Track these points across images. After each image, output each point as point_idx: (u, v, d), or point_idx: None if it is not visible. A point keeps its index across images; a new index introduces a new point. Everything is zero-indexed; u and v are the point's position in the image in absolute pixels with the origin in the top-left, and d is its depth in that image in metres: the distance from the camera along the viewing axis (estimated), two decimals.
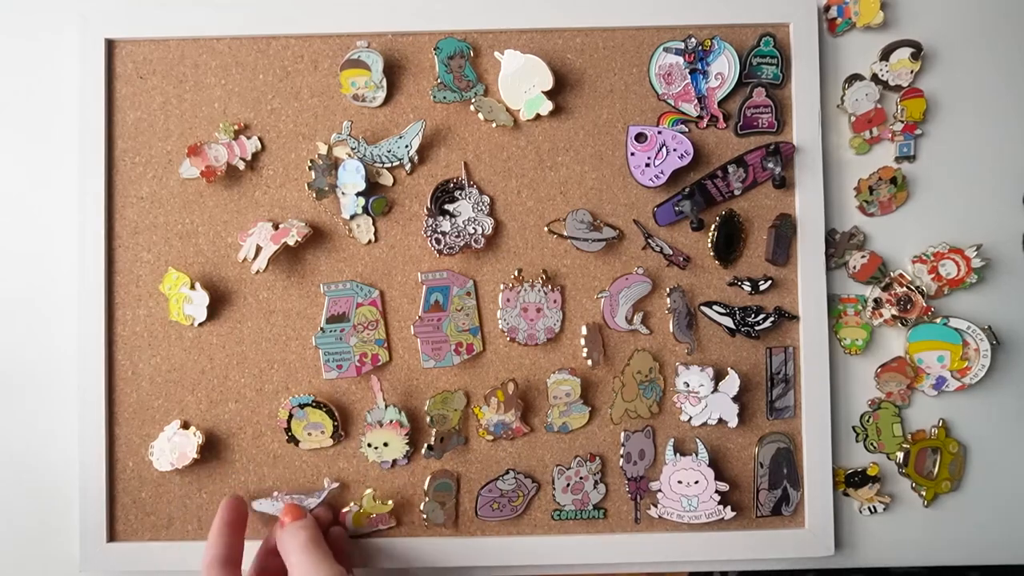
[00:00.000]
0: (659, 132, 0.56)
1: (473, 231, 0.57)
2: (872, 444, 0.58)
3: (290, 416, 0.56)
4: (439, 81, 0.57)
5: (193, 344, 0.58)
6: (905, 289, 0.57)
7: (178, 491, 0.57)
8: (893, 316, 0.58)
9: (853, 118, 0.58)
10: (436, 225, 0.57)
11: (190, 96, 0.58)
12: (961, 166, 0.59)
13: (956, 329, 0.58)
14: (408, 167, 0.57)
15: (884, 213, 0.58)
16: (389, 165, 0.57)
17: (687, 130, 0.57)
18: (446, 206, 0.57)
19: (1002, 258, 0.59)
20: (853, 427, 0.59)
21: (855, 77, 0.58)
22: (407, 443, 0.57)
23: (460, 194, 0.57)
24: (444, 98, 0.57)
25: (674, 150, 0.56)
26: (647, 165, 0.57)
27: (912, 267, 0.58)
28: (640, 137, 0.57)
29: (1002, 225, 0.59)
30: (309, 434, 0.57)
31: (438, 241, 0.56)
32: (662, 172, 0.56)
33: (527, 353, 0.58)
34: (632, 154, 0.57)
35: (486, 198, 0.57)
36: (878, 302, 0.58)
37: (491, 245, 0.58)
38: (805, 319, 0.58)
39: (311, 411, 0.56)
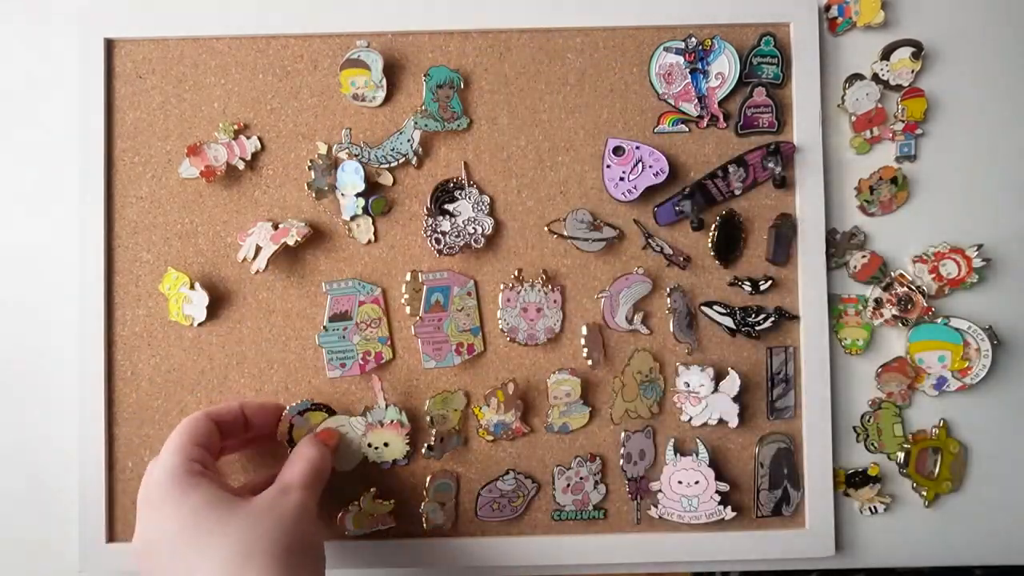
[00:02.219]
0: (637, 147, 0.56)
1: (473, 231, 0.57)
2: (873, 444, 0.58)
3: (291, 427, 0.56)
4: (424, 108, 0.57)
5: (193, 344, 0.58)
6: (906, 289, 0.57)
7: None
8: (894, 316, 0.57)
9: (854, 118, 0.58)
10: (436, 225, 0.57)
11: (190, 96, 0.58)
12: (961, 166, 0.59)
13: (957, 329, 0.57)
14: (414, 160, 0.57)
15: (885, 213, 0.58)
16: (394, 164, 0.57)
17: (686, 128, 0.57)
18: (446, 206, 0.57)
19: (1003, 257, 0.59)
20: (854, 427, 0.58)
21: (856, 76, 0.58)
22: (407, 443, 0.57)
23: (460, 194, 0.57)
24: (425, 126, 0.57)
25: (650, 167, 0.56)
26: (621, 179, 0.57)
27: (913, 267, 0.58)
28: (618, 151, 0.57)
29: (1003, 224, 0.59)
30: None
31: (438, 241, 0.56)
32: (635, 187, 0.56)
33: (527, 353, 0.58)
34: (608, 167, 0.57)
35: (486, 198, 0.57)
36: (879, 302, 0.58)
37: (491, 245, 0.58)
38: (805, 319, 0.58)
39: (311, 415, 0.56)
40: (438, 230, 0.57)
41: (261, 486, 0.49)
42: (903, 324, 0.58)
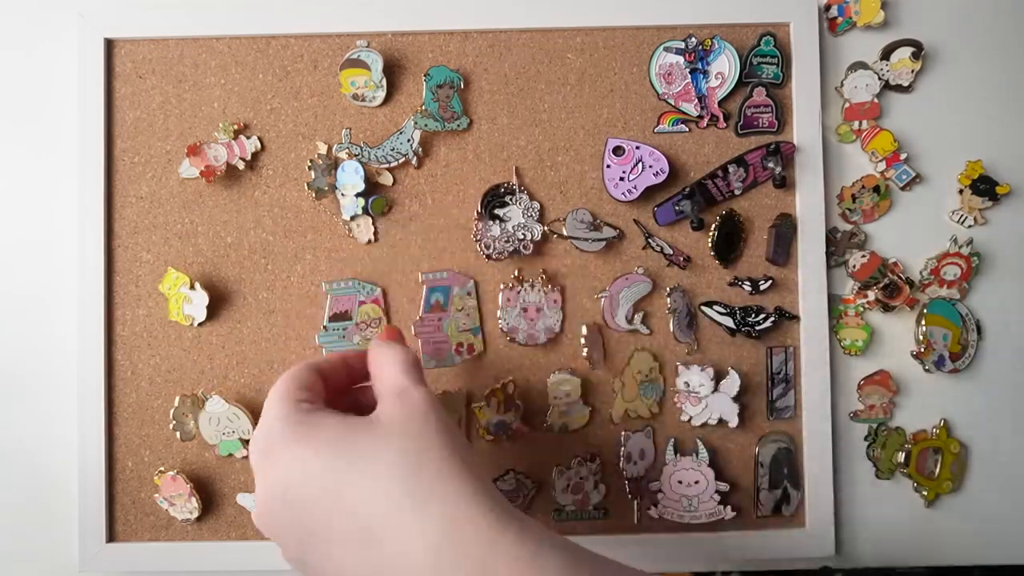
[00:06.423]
0: (637, 147, 0.56)
1: (523, 237, 0.57)
2: (872, 450, 0.58)
3: None
4: (424, 108, 0.57)
5: (193, 344, 0.58)
6: (895, 277, 0.57)
7: None
8: (876, 299, 0.57)
9: (847, 104, 0.58)
10: (486, 230, 0.57)
11: (189, 96, 0.58)
12: (961, 165, 0.59)
13: (960, 313, 0.58)
14: (414, 160, 0.57)
15: (867, 221, 0.58)
16: (394, 164, 0.57)
17: (686, 128, 0.57)
18: (496, 211, 0.57)
19: (998, 256, 0.59)
20: (865, 436, 0.58)
21: (859, 64, 0.58)
22: None
23: (511, 199, 0.57)
24: (426, 126, 0.57)
25: (650, 167, 0.56)
26: (621, 179, 0.57)
27: (926, 261, 0.58)
28: (618, 151, 0.57)
29: (1003, 224, 0.59)
30: None
31: (487, 246, 0.56)
32: (635, 187, 0.56)
33: (527, 353, 0.58)
34: (608, 166, 0.57)
35: (536, 204, 0.57)
36: (866, 284, 0.57)
37: None
38: (805, 319, 0.58)
39: None
40: (488, 235, 0.56)
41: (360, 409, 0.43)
42: (884, 310, 0.58)
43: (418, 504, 0.36)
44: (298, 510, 0.38)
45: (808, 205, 0.57)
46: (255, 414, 0.57)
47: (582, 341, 0.57)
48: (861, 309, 0.58)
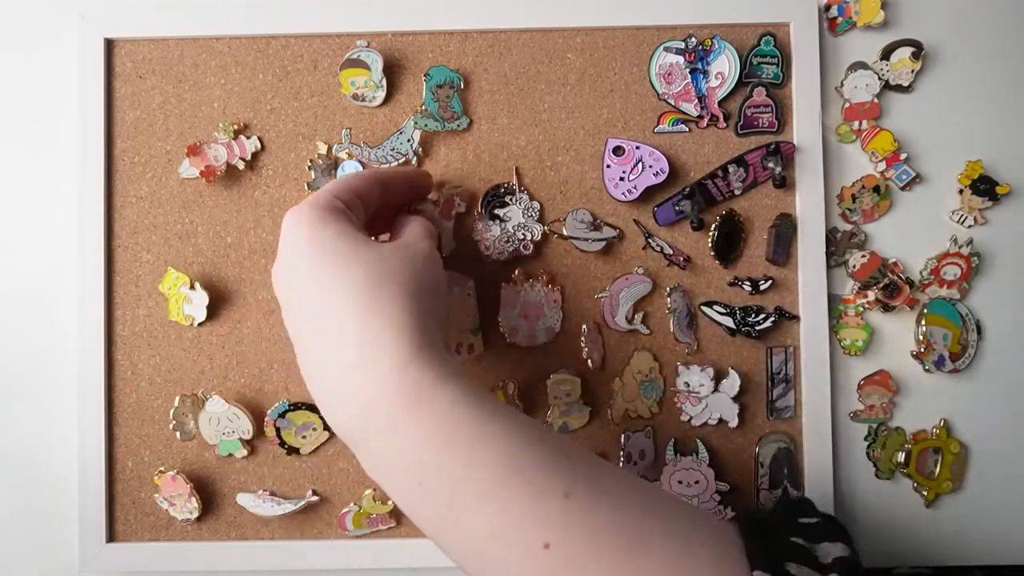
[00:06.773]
0: (637, 147, 0.56)
1: (523, 237, 0.57)
2: (872, 450, 0.58)
3: (278, 431, 0.56)
4: (424, 108, 0.57)
5: (193, 344, 0.58)
6: (896, 277, 0.57)
7: None
8: (876, 299, 0.57)
9: (847, 104, 0.58)
10: (486, 230, 0.57)
11: (189, 96, 0.58)
12: (960, 166, 0.59)
13: (960, 313, 0.58)
14: (414, 160, 0.57)
15: (867, 222, 0.58)
16: (395, 164, 0.57)
17: (686, 128, 0.57)
18: (496, 211, 0.57)
19: (995, 256, 0.59)
20: (865, 436, 0.58)
21: (859, 64, 0.58)
22: None
23: (511, 199, 0.57)
24: (426, 126, 0.57)
25: (650, 167, 0.56)
26: (621, 179, 0.57)
27: (926, 261, 0.58)
28: (618, 151, 0.57)
29: (1003, 224, 0.59)
30: (304, 437, 0.57)
31: (487, 247, 0.56)
32: (635, 187, 0.56)
33: (527, 353, 0.58)
34: (608, 166, 0.57)
35: (536, 204, 0.57)
36: (866, 284, 0.57)
37: None
38: (805, 319, 0.58)
39: (294, 415, 0.56)
40: (487, 235, 0.56)
41: None
42: (884, 310, 0.58)
43: (359, 320, 0.40)
44: (292, 282, 0.45)
45: (808, 205, 0.57)
46: (255, 414, 0.57)
47: (582, 341, 0.57)
48: (861, 309, 0.58)
